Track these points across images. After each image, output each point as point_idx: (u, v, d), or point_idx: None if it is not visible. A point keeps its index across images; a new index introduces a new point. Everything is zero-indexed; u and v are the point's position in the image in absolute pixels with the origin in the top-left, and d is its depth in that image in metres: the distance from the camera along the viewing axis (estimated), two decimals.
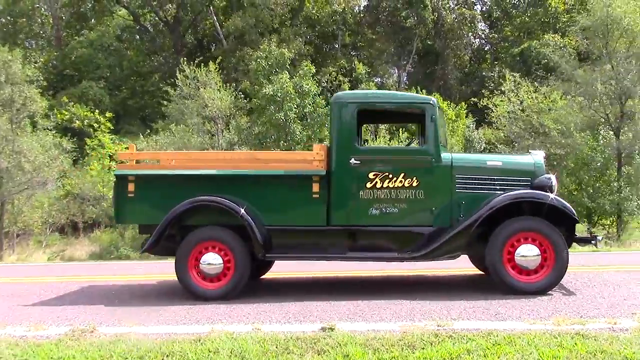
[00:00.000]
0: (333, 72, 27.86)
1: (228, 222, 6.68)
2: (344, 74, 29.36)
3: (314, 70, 19.58)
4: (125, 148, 21.60)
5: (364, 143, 8.92)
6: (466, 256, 7.33)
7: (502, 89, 21.93)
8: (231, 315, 5.81)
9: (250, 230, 6.52)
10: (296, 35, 30.34)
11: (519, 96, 21.09)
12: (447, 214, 6.71)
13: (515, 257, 6.37)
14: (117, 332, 5.18)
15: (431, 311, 5.70)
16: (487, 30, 33.84)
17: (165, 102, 28.08)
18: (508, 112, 21.05)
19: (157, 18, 33.41)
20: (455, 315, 5.48)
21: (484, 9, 35.32)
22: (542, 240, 6.36)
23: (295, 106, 17.78)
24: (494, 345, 4.45)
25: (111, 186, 20.34)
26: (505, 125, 20.93)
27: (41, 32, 34.74)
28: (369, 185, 6.66)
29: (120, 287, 7.94)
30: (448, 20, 31.66)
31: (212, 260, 6.60)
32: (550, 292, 6.41)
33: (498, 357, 4.24)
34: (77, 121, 24.52)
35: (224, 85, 19.57)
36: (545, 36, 30.07)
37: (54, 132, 20.33)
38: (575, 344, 4.41)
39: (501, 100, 21.79)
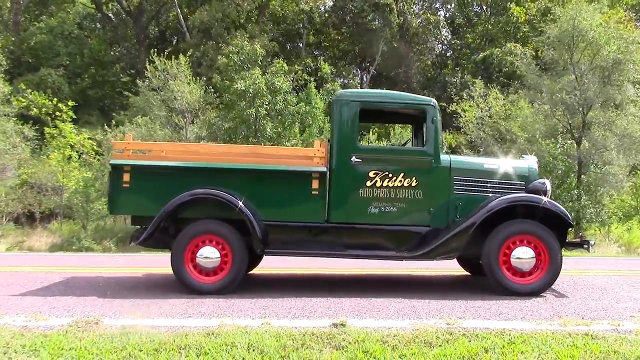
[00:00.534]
0: (299, 71, 27.81)
1: (225, 215, 6.63)
2: (309, 73, 29.37)
3: (286, 68, 19.54)
4: (89, 138, 21.24)
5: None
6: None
7: (472, 94, 22.29)
8: (234, 309, 5.75)
9: (249, 224, 6.49)
10: (262, 32, 30.19)
11: (487, 102, 21.51)
12: (444, 214, 6.82)
13: (510, 259, 6.51)
14: (122, 324, 5.07)
15: (434, 310, 5.78)
16: (450, 37, 34.32)
17: (127, 93, 27.74)
18: (476, 117, 21.42)
19: (120, 7, 32.79)
20: (460, 314, 5.57)
21: (447, 15, 35.84)
22: (537, 243, 6.53)
23: (266, 103, 17.70)
24: (509, 344, 4.54)
25: (71, 177, 19.99)
26: (473, 131, 21.29)
27: None
28: (369, 183, 6.70)
29: (106, 279, 7.77)
30: (413, 24, 31.99)
31: (209, 254, 6.54)
32: (543, 294, 6.59)
33: (515, 356, 4.32)
34: (34, 109, 23.85)
35: (192, 78, 19.34)
36: (508, 44, 30.69)
37: (15, 119, 19.73)
38: (587, 344, 4.53)
39: (470, 106, 22.15)
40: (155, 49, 19.62)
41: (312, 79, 27.49)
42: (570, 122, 18.97)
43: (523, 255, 6.50)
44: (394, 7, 31.33)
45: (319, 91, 23.55)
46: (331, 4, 31.68)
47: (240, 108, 17.69)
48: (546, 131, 19.14)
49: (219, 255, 6.53)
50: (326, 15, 33.15)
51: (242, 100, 17.61)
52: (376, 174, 6.70)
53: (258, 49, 18.96)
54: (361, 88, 33.43)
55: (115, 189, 6.74)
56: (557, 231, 6.69)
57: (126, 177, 6.70)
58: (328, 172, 6.72)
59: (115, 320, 5.22)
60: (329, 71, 28.98)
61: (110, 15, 33.01)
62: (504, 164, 7.26)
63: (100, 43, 31.01)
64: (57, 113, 20.77)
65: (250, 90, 17.35)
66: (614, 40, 18.56)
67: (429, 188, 6.78)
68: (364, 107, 6.86)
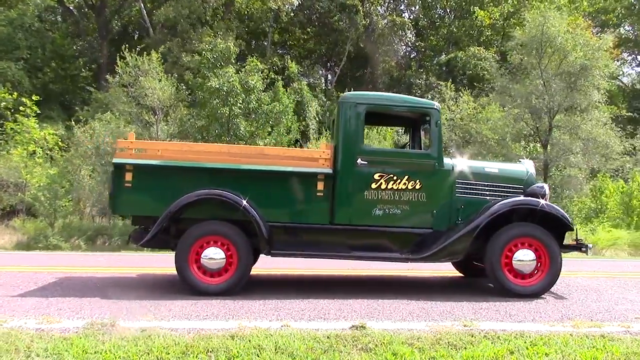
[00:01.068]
0: (265, 70, 27.68)
1: (229, 216, 6.58)
2: (275, 72, 29.26)
3: (260, 66, 19.43)
4: (53, 134, 20.70)
5: None
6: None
7: (443, 97, 22.59)
8: (245, 311, 5.72)
9: (256, 225, 6.46)
10: (228, 30, 29.94)
11: (458, 105, 21.83)
12: (446, 217, 6.91)
13: (512, 262, 6.64)
14: (140, 326, 4.99)
15: (445, 311, 5.86)
16: (414, 39, 34.65)
17: (90, 88, 27.15)
18: (447, 119, 21.70)
19: (82, 0, 32.09)
20: (471, 316, 5.65)
21: (411, 17, 36.17)
22: (538, 246, 6.67)
23: (240, 101, 17.57)
24: (531, 345, 4.63)
25: (34, 174, 19.47)
26: (444, 133, 21.55)
27: None
28: (374, 185, 6.74)
29: (101, 280, 7.62)
30: (379, 25, 32.20)
31: (213, 255, 6.48)
32: (542, 295, 6.74)
33: (541, 358, 4.41)
34: None
35: (163, 75, 19.05)
36: (472, 48, 31.17)
37: None
38: (605, 345, 4.66)
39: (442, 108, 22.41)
40: (126, 45, 19.15)
41: (279, 77, 27.42)
42: (538, 125, 19.41)
43: (524, 257, 6.64)
44: (360, 8, 31.48)
45: (286, 90, 23.48)
46: (297, 3, 31.62)
47: (212, 106, 17.51)
48: (516, 134, 19.54)
49: (224, 256, 6.48)
50: (292, 14, 33.07)
51: (215, 98, 17.43)
52: (381, 176, 6.75)
53: (232, 47, 18.81)
54: (326, 87, 33.52)
55: (118, 188, 6.62)
56: (555, 234, 6.85)
57: (128, 176, 6.59)
58: (333, 174, 6.73)
59: (131, 322, 5.13)
60: (296, 70, 28.92)
61: (71, 8, 32.25)
62: (503, 167, 7.40)
63: (62, 37, 30.25)
64: (22, 108, 20.20)
65: (224, 88, 17.20)
66: (581, 47, 19.08)
67: (433, 191, 6.86)
68: (370, 109, 6.90)
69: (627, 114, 25.96)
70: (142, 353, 4.33)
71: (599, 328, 5.22)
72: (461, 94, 22.24)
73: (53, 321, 5.13)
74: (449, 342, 4.68)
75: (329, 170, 6.70)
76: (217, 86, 17.17)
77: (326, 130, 23.82)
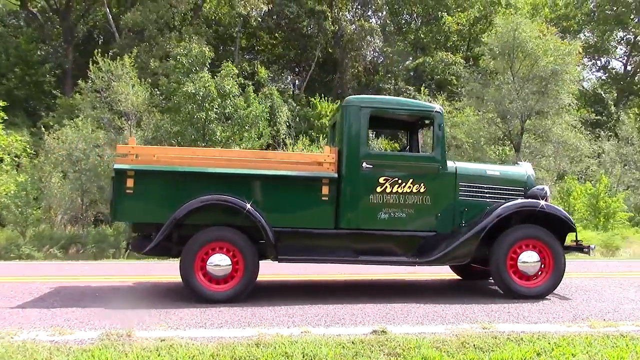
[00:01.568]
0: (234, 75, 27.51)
1: (234, 222, 6.48)
2: (245, 77, 29.11)
3: (236, 71, 19.29)
4: (20, 140, 20.19)
5: None
6: None
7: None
8: (259, 318, 5.62)
9: (263, 231, 6.38)
10: (197, 35, 29.66)
11: None
12: (449, 220, 6.92)
13: (517, 263, 6.68)
14: (157, 336, 4.86)
15: (459, 314, 5.85)
16: (381, 44, 34.83)
17: (56, 93, 26.55)
18: None
19: (46, 4, 31.41)
20: (485, 318, 5.66)
21: (379, 22, 36.36)
22: (542, 247, 6.72)
23: (216, 106, 17.41)
24: (557, 347, 4.64)
25: (1, 181, 18.95)
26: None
27: None
28: (379, 189, 6.72)
29: (98, 289, 7.43)
30: (348, 31, 32.30)
31: (219, 262, 6.37)
32: (547, 296, 6.81)
33: (568, 359, 4.43)
34: None
35: (136, 80, 18.75)
36: (439, 53, 31.51)
37: None
38: (628, 345, 4.71)
39: None
40: (98, 50, 18.84)
41: (250, 82, 27.29)
42: (510, 129, 19.74)
43: (529, 259, 6.69)
44: (329, 14, 31.54)
45: (257, 95, 23.38)
46: (267, 9, 31.46)
47: (188, 111, 17.33)
48: (489, 137, 19.81)
49: (230, 263, 6.37)
50: (260, 19, 32.93)
51: (191, 103, 17.24)
52: (386, 180, 6.73)
53: (207, 52, 18.63)
54: (294, 93, 33.45)
55: (119, 195, 6.45)
56: (557, 235, 6.92)
57: (130, 182, 6.43)
58: (338, 178, 6.69)
59: (146, 332, 4.99)
60: (266, 75, 28.80)
61: (35, 12, 31.55)
62: (504, 170, 7.47)
63: (27, 42, 29.55)
64: None
65: (201, 93, 17.03)
66: (551, 52, 19.47)
67: (436, 194, 6.87)
68: (375, 113, 6.88)
69: (592, 118, 26.50)
70: None
71: (615, 328, 5.28)
72: (437, 99, 22.43)
73: (65, 332, 4.96)
74: (475, 345, 4.67)
75: (334, 175, 6.65)
76: (194, 91, 17.00)
77: (303, 135, 23.76)
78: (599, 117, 29.36)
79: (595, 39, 39.89)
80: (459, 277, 8.47)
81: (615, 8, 37.76)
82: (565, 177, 23.22)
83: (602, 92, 34.73)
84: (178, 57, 18.46)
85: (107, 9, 31.07)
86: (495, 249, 6.68)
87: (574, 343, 4.72)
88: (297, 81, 34.41)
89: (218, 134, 17.54)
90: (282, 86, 33.34)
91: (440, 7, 34.50)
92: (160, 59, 25.95)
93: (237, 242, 6.40)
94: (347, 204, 6.71)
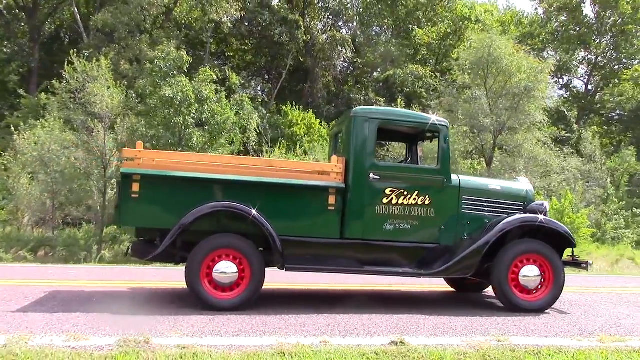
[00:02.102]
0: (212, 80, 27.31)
1: (241, 229, 6.43)
2: (215, 83, 28.93)
3: (214, 77, 19.14)
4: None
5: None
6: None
7: None
8: (270, 327, 5.55)
9: (271, 239, 6.34)
10: (168, 38, 29.36)
11: None
12: (452, 232, 6.99)
13: (519, 277, 6.78)
14: (176, 343, 4.78)
15: (469, 327, 5.90)
16: (351, 55, 35.05)
17: (21, 92, 25.90)
18: None
19: (13, 2, 30.72)
20: (495, 331, 5.72)
21: (349, 33, 36.60)
22: (542, 262, 6.84)
23: (194, 111, 17.27)
24: None
25: None
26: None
27: None
28: (385, 200, 6.75)
29: (95, 294, 7.28)
30: (319, 40, 32.42)
31: (225, 269, 6.30)
32: (547, 310, 6.93)
33: None
34: None
35: (112, 82, 18.43)
36: (410, 66, 31.85)
37: None
38: None
39: None
40: (74, 50, 18.49)
41: (222, 89, 27.13)
42: (483, 144, 20.06)
43: (530, 273, 6.79)
44: (302, 23, 31.60)
45: (229, 101, 23.25)
46: (239, 15, 31.35)
47: (164, 115, 17.13)
48: (463, 151, 20.09)
49: (236, 270, 6.31)
50: (231, 26, 32.79)
51: (167, 107, 17.06)
52: (392, 191, 6.76)
53: (184, 56, 18.44)
54: (267, 100, 33.34)
55: (124, 199, 6.33)
56: (556, 250, 7.05)
57: (136, 186, 6.32)
58: (345, 188, 6.69)
59: (163, 340, 4.90)
60: (237, 82, 28.64)
61: (1, 9, 30.81)
62: (505, 185, 7.57)
63: None
64: None
65: (178, 97, 16.86)
66: (524, 69, 19.87)
67: (440, 206, 6.93)
68: (382, 124, 6.92)
69: (562, 135, 27.09)
70: None
71: (624, 343, 5.39)
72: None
73: (80, 338, 4.83)
74: (494, 358, 4.72)
75: (342, 185, 6.66)
76: (172, 95, 16.82)
77: (277, 144, 23.67)
78: (567, 135, 30.02)
79: (558, 58, 40.85)
80: (453, 289, 8.54)
81: (578, 29, 38.78)
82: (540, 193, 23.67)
83: (564, 110, 35.52)
84: (155, 60, 18.21)
85: (75, 9, 30.56)
86: (497, 263, 6.77)
87: (591, 357, 4.81)
88: (267, 89, 34.31)
89: (195, 139, 17.37)
90: (252, 93, 33.20)
91: (411, 20, 34.91)
92: (131, 62, 25.61)
93: (244, 249, 6.35)
94: (353, 214, 6.72)
